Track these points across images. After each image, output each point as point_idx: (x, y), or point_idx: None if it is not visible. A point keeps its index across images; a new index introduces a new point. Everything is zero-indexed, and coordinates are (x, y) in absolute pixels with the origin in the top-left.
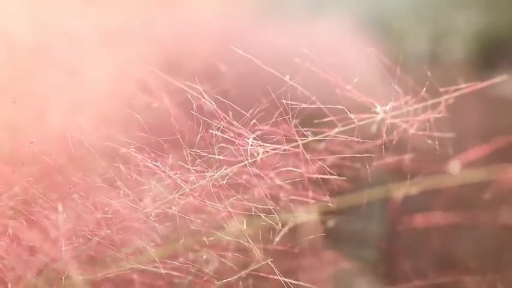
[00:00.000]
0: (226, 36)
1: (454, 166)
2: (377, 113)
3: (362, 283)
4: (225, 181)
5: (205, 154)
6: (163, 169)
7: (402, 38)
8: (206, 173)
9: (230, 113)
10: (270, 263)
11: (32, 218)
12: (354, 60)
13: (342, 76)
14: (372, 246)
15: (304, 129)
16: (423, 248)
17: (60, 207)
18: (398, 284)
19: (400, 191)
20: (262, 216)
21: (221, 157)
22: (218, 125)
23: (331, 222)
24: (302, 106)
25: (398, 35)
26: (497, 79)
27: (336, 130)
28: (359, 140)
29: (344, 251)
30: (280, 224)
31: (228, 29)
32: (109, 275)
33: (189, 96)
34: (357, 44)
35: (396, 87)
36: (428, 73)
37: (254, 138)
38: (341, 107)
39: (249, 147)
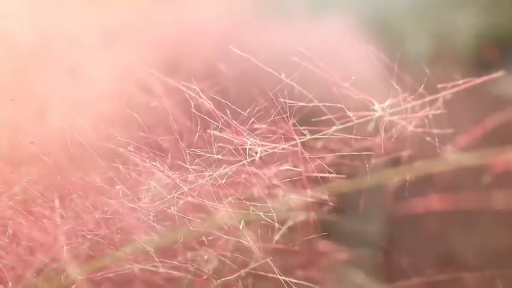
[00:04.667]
0: (226, 35)
1: (448, 151)
2: (375, 111)
3: (361, 280)
4: (224, 180)
5: (203, 153)
6: (161, 169)
7: (401, 36)
8: (205, 173)
9: (228, 112)
10: (269, 262)
11: (31, 217)
12: (351, 58)
13: (340, 74)
14: (372, 242)
15: (303, 127)
16: (422, 237)
17: (57, 203)
18: (397, 278)
19: (395, 177)
20: (261, 215)
21: (219, 156)
22: (217, 124)
23: (330, 220)
24: (300, 104)
25: (396, 34)
26: (494, 74)
27: (334, 128)
28: (357, 137)
29: (343, 247)
30: (278, 223)
31: (228, 28)
32: (108, 275)
33: (187, 96)
34: (355, 42)
35: (394, 84)
36: (426, 70)
37: (253, 137)
38: (339, 105)
39: (248, 146)
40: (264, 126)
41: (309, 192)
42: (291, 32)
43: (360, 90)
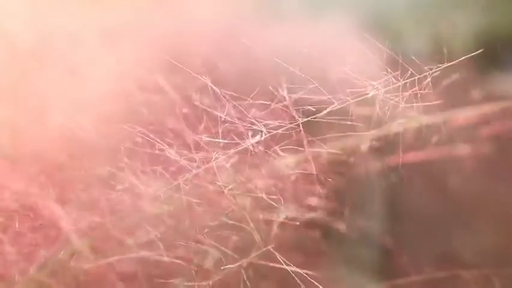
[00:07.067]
0: (226, 34)
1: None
2: (370, 91)
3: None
4: (228, 164)
5: (209, 139)
6: (168, 154)
7: (399, 34)
8: (211, 156)
9: (228, 104)
10: (271, 250)
11: (33, 214)
12: (350, 55)
13: (336, 59)
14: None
15: (302, 107)
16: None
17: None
18: (395, 275)
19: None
20: (265, 197)
21: (225, 141)
22: (220, 115)
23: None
24: (299, 95)
25: (394, 31)
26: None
27: (331, 107)
28: (352, 119)
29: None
30: (281, 214)
31: (228, 27)
32: (113, 265)
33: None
34: (354, 39)
35: (386, 67)
36: (424, 67)
37: (252, 123)
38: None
39: (252, 129)
40: (266, 110)
41: (308, 183)
42: (291, 32)
43: (355, 73)
